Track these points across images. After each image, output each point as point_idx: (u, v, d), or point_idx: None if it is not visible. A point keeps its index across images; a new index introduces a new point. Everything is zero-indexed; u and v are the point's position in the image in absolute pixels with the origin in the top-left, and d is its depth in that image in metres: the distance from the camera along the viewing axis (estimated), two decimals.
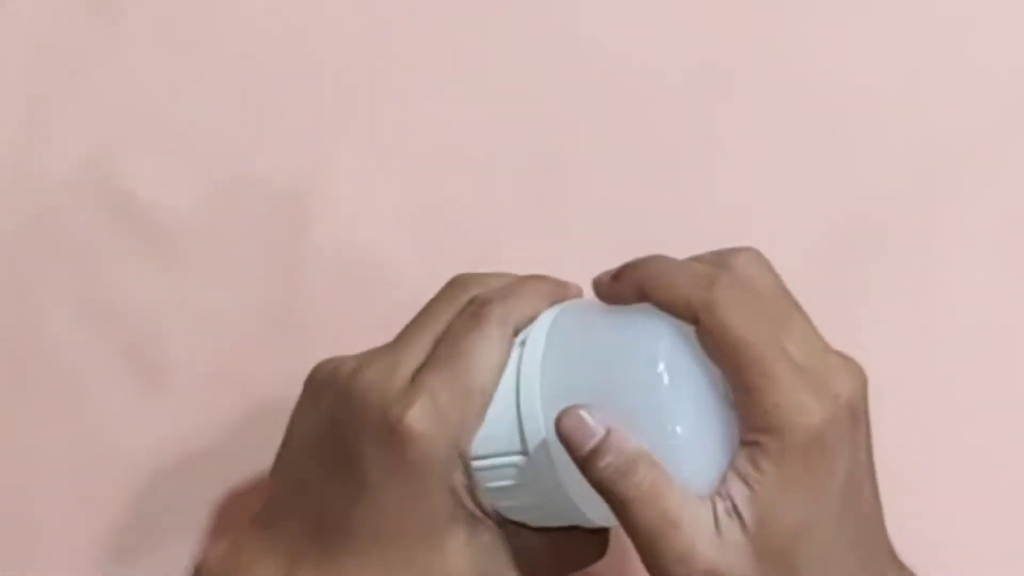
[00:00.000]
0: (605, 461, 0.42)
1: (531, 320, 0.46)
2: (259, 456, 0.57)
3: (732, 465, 0.42)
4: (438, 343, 0.46)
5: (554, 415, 0.42)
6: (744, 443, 0.42)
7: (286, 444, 0.49)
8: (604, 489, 0.42)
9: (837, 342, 0.52)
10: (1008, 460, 0.59)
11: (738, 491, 0.42)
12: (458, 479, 0.44)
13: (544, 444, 0.43)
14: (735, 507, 0.41)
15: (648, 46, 0.61)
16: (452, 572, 0.44)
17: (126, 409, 0.59)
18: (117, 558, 0.58)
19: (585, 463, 0.42)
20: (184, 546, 0.57)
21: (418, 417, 0.43)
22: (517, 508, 0.45)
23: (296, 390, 0.57)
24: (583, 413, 0.43)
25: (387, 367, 0.46)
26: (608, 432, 0.42)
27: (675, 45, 0.61)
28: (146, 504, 0.58)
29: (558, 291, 0.47)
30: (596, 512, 0.43)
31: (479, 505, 0.45)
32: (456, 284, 0.48)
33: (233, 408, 0.59)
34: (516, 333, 0.45)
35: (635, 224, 0.60)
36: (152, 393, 0.59)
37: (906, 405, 0.57)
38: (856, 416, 0.43)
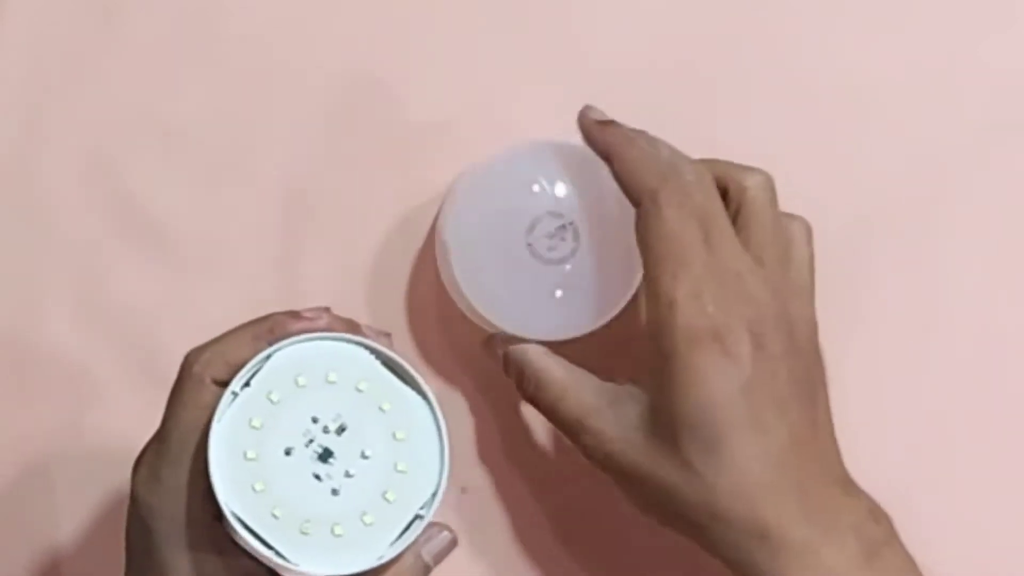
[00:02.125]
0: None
1: (238, 366, 0.45)
2: None
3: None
4: None
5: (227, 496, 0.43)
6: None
7: None
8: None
9: (837, 340, 0.53)
10: (1009, 456, 0.59)
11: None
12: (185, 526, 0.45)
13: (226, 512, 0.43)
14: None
15: (643, 44, 0.61)
16: None
17: (125, 407, 0.58)
18: (115, 553, 0.55)
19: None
20: None
21: (138, 484, 0.46)
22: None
23: None
24: None
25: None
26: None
27: (672, 42, 0.61)
28: None
29: (260, 330, 0.47)
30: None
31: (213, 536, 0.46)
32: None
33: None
34: (221, 382, 0.45)
35: None
36: (151, 392, 0.55)
37: (908, 402, 0.57)
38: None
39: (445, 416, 0.46)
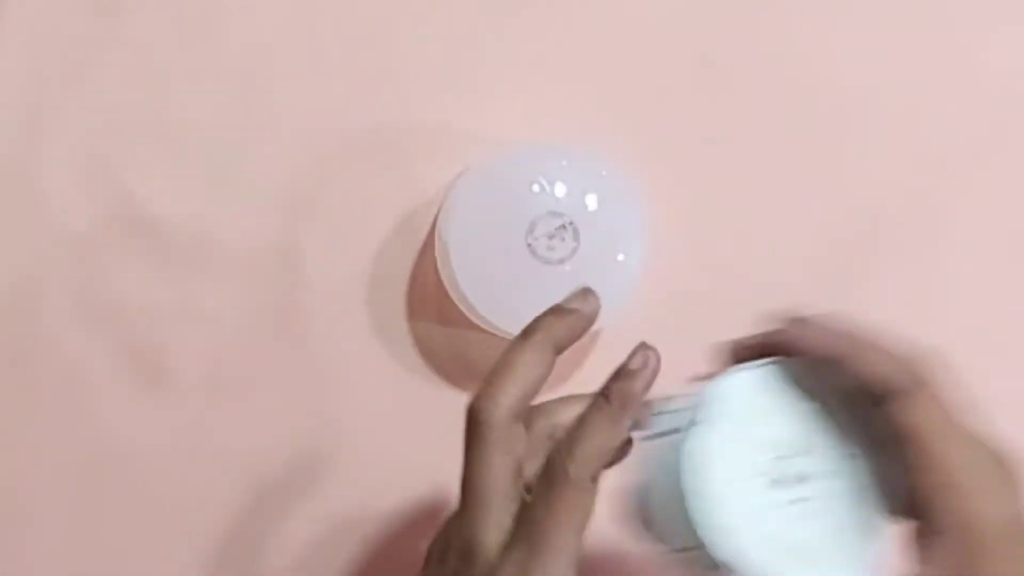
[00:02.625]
0: None
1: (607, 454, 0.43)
2: (253, 453, 0.59)
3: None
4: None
5: None
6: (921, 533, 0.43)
7: None
8: None
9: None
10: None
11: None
12: None
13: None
14: None
15: (644, 47, 0.61)
16: None
17: (125, 406, 0.59)
18: (115, 553, 0.58)
19: None
20: (181, 541, 0.57)
21: None
22: None
23: (292, 390, 0.59)
24: None
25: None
26: None
27: (671, 44, 0.61)
28: (144, 500, 0.58)
29: (613, 414, 0.44)
30: None
31: None
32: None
33: (230, 406, 0.59)
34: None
35: None
36: (150, 391, 0.59)
37: None
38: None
39: None
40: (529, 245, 0.55)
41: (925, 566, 0.44)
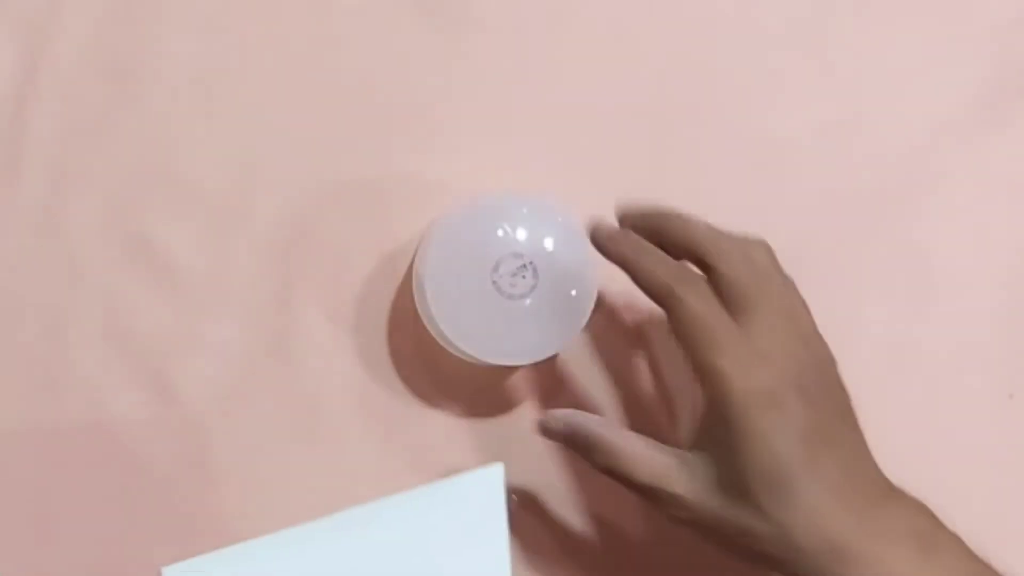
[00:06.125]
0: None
1: None
2: (258, 465, 0.60)
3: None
4: None
5: None
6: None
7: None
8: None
9: (835, 330, 0.55)
10: (1005, 444, 0.61)
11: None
12: None
13: None
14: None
15: (596, 103, 0.62)
16: None
17: (140, 424, 0.60)
18: (128, 560, 0.59)
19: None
20: (190, 549, 0.57)
21: None
22: None
23: (290, 410, 0.59)
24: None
25: None
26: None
27: (629, 91, 0.63)
28: (156, 508, 0.59)
29: None
30: None
31: None
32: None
33: (235, 424, 0.60)
34: None
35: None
36: (164, 410, 0.60)
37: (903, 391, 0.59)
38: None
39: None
40: (494, 282, 0.56)
41: (687, 431, 0.51)
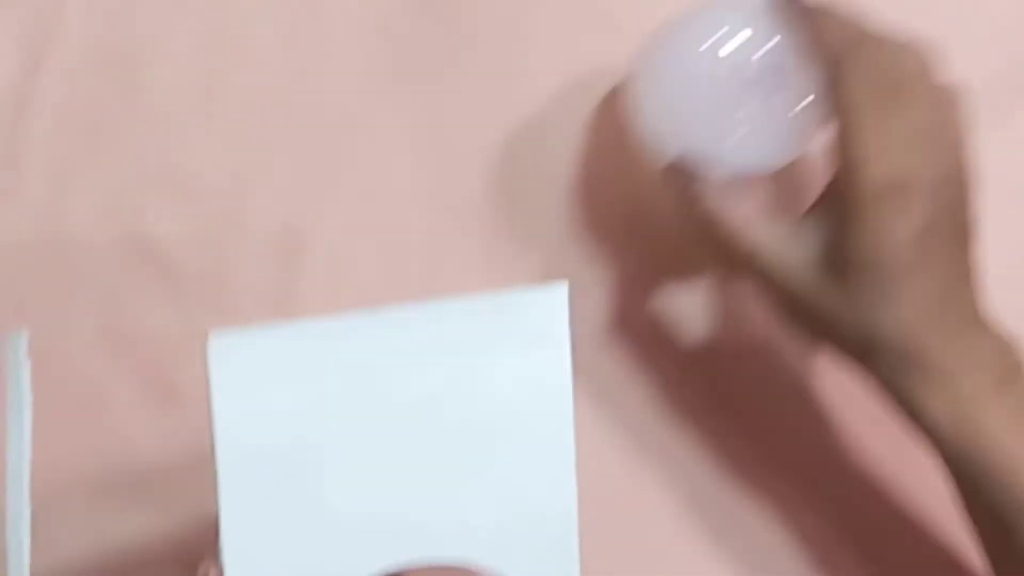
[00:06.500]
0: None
1: None
2: None
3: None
4: None
5: None
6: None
7: None
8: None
9: None
10: None
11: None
12: None
13: None
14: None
15: None
16: None
17: (140, 424, 0.60)
18: (130, 565, 0.60)
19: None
20: (192, 551, 0.57)
21: None
22: None
23: None
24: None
25: None
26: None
27: None
28: (158, 511, 0.60)
29: None
30: None
31: None
32: None
33: None
34: None
35: None
36: (164, 411, 0.61)
37: None
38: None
39: None
40: (725, 83, 0.54)
41: (810, 214, 0.51)
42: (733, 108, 0.54)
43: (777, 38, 0.54)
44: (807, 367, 0.61)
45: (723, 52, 0.54)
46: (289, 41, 0.63)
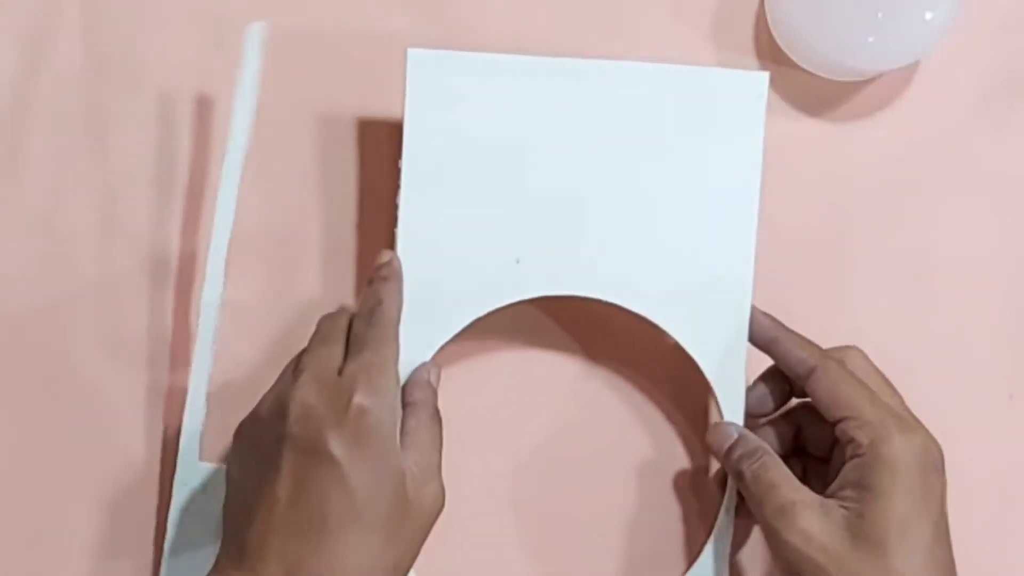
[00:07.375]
0: (736, 453, 0.54)
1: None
2: None
3: (842, 474, 0.52)
4: (348, 344, 0.52)
5: None
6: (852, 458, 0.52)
7: (228, 496, 0.52)
8: (735, 470, 0.54)
9: (835, 330, 0.57)
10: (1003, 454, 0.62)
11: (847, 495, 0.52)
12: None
13: None
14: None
15: None
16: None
17: (140, 424, 0.60)
18: (128, 562, 0.59)
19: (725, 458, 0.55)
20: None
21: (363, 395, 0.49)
22: None
23: None
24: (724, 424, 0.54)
25: (319, 369, 0.50)
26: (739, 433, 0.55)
27: None
28: (156, 509, 0.59)
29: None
30: None
31: None
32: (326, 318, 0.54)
33: (234, 422, 0.56)
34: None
35: None
36: (159, 408, 0.60)
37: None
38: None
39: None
40: None
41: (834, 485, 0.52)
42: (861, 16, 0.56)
43: None
44: None
45: None
46: (291, 41, 0.63)
